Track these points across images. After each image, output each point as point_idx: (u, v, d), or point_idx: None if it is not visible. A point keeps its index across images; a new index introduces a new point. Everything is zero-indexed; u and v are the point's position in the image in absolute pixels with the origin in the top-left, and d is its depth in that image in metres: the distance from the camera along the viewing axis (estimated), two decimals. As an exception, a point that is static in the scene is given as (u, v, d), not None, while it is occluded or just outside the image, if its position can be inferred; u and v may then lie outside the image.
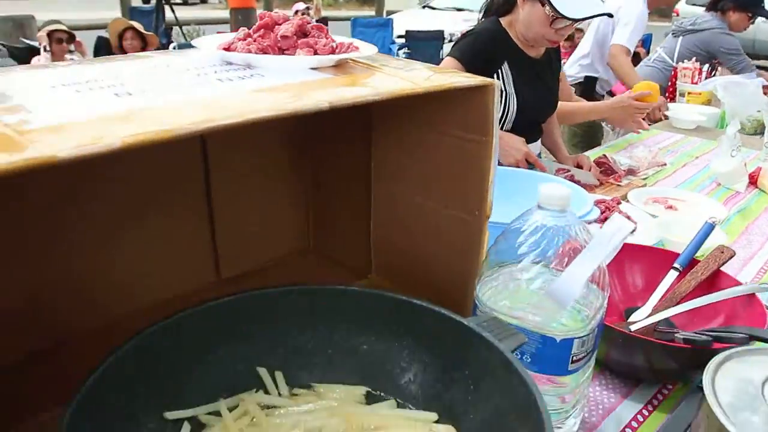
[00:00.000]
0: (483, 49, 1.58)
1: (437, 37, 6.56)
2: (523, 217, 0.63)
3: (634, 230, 1.21)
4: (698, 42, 2.88)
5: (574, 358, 0.62)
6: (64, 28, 4.20)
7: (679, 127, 2.26)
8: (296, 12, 5.81)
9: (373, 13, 10.74)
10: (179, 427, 0.55)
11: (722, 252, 0.93)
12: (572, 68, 2.72)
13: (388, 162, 0.80)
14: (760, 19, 3.00)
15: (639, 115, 1.86)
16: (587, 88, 2.69)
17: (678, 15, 6.65)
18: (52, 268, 0.67)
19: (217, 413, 0.57)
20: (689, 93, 2.59)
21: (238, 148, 0.80)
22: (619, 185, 1.56)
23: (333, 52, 0.61)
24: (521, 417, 0.47)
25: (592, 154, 1.77)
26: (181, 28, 6.77)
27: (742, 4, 2.83)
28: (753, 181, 1.61)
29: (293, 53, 0.60)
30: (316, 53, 0.60)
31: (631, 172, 1.65)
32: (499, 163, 1.54)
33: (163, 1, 6.17)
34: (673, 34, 3.00)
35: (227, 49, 0.61)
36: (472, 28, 1.69)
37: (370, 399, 0.60)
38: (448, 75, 0.62)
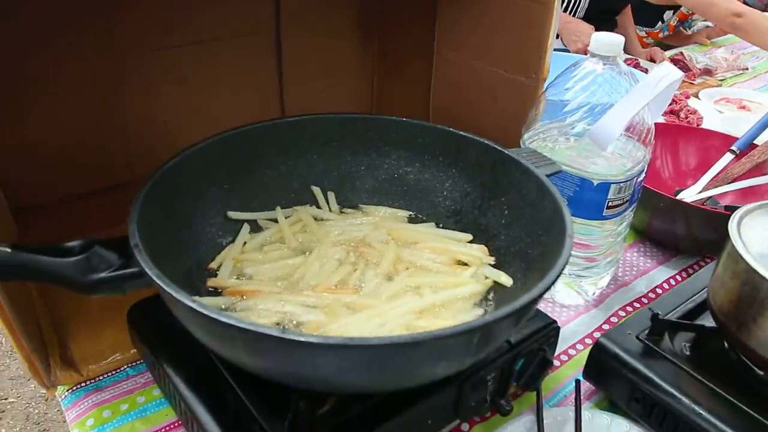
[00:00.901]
0: None
1: None
2: (575, 64, 0.65)
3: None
4: None
5: (610, 203, 0.64)
6: None
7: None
8: None
9: None
10: (239, 227, 0.61)
11: (784, 137, 0.92)
12: None
13: (451, 32, 0.82)
14: None
15: None
16: None
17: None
18: (130, 104, 0.72)
19: (274, 220, 0.63)
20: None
21: (309, 12, 0.83)
22: (691, 83, 1.52)
23: None
24: (546, 231, 0.51)
25: (669, 53, 1.71)
26: None
27: None
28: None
29: None
30: None
31: (707, 72, 1.59)
32: (566, 51, 1.52)
33: None
34: None
35: None
36: None
37: (412, 221, 0.65)
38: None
